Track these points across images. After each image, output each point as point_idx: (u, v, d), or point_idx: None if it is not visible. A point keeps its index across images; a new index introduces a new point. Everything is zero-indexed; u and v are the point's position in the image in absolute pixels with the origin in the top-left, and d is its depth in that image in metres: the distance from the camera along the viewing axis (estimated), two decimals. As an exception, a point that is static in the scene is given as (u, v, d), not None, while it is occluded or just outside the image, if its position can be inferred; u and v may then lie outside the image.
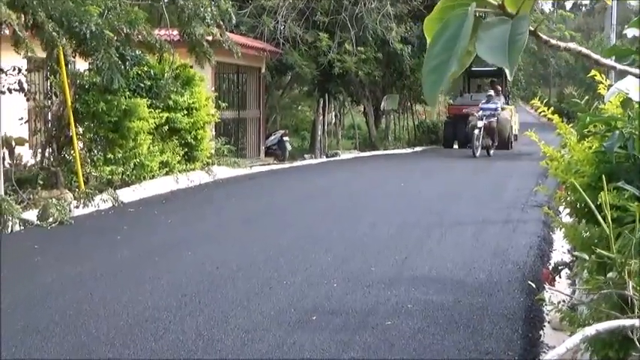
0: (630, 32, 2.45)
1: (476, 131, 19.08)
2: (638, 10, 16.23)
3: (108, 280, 6.21)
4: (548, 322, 4.98)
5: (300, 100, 25.91)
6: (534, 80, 50.37)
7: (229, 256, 7.09)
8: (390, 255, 7.14)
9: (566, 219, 4.73)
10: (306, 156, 19.70)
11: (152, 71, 12.58)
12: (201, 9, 12.09)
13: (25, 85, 10.82)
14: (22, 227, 8.60)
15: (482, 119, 19.32)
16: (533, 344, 4.68)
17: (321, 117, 20.24)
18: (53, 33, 9.34)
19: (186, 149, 13.51)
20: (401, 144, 24.31)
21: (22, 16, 9.31)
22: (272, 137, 19.43)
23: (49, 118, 11.32)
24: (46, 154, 11.05)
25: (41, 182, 10.12)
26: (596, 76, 4.20)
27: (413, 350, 4.52)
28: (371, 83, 22.82)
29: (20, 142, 10.93)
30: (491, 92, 21.47)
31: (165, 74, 12.84)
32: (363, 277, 6.25)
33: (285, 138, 19.23)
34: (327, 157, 19.81)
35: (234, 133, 18.15)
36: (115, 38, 10.44)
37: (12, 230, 8.46)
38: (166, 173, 12.86)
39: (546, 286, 5.14)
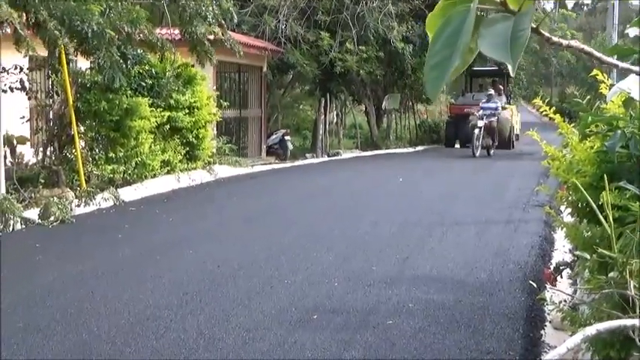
0: (632, 32, 2.44)
1: (476, 131, 19.01)
2: None
3: (109, 278, 6.22)
4: (550, 322, 4.97)
5: (302, 99, 25.88)
6: (536, 80, 50.31)
7: (230, 255, 7.09)
8: (392, 254, 7.14)
9: (568, 219, 4.72)
10: (307, 155, 19.70)
11: (153, 70, 12.58)
12: (203, 8, 12.07)
13: (27, 84, 10.81)
14: (24, 226, 8.61)
15: (482, 119, 19.26)
16: (535, 344, 4.67)
17: (323, 116, 20.23)
18: (55, 32, 9.34)
19: (187, 148, 13.51)
20: (402, 143, 24.29)
21: (24, 14, 9.32)
22: (273, 136, 19.41)
23: (51, 116, 11.32)
24: (48, 153, 11.06)
25: (42, 181, 10.12)
26: (597, 75, 4.20)
27: (414, 349, 4.52)
28: (372, 82, 22.81)
29: (22, 140, 10.93)
30: (492, 91, 21.43)
31: (167, 73, 12.85)
32: (365, 276, 6.24)
33: (287, 137, 19.20)
34: (328, 156, 19.81)
35: (236, 132, 18.13)
36: (117, 37, 10.43)
37: (13, 229, 8.47)
38: (168, 172, 12.87)
39: (547, 285, 5.14)
